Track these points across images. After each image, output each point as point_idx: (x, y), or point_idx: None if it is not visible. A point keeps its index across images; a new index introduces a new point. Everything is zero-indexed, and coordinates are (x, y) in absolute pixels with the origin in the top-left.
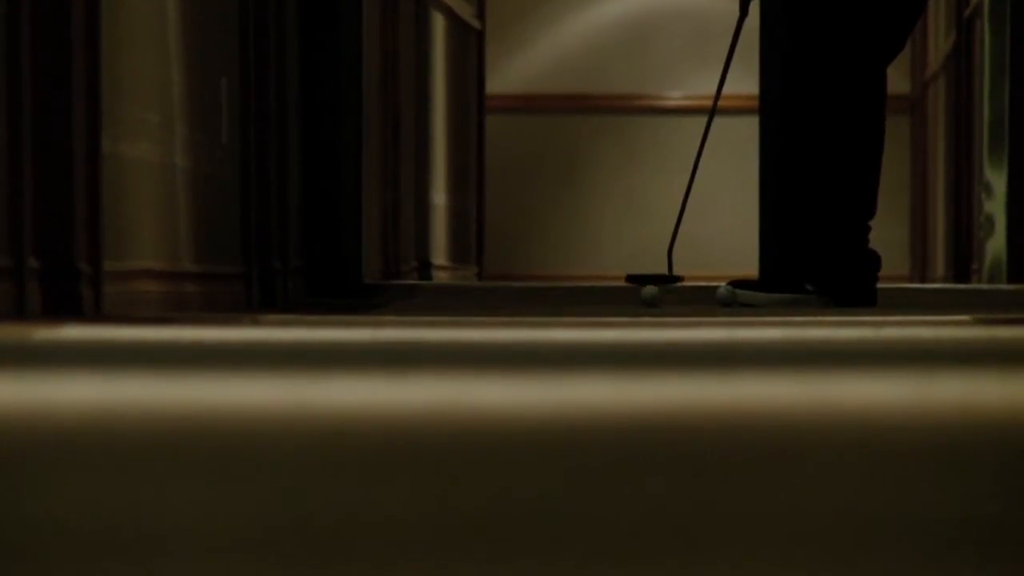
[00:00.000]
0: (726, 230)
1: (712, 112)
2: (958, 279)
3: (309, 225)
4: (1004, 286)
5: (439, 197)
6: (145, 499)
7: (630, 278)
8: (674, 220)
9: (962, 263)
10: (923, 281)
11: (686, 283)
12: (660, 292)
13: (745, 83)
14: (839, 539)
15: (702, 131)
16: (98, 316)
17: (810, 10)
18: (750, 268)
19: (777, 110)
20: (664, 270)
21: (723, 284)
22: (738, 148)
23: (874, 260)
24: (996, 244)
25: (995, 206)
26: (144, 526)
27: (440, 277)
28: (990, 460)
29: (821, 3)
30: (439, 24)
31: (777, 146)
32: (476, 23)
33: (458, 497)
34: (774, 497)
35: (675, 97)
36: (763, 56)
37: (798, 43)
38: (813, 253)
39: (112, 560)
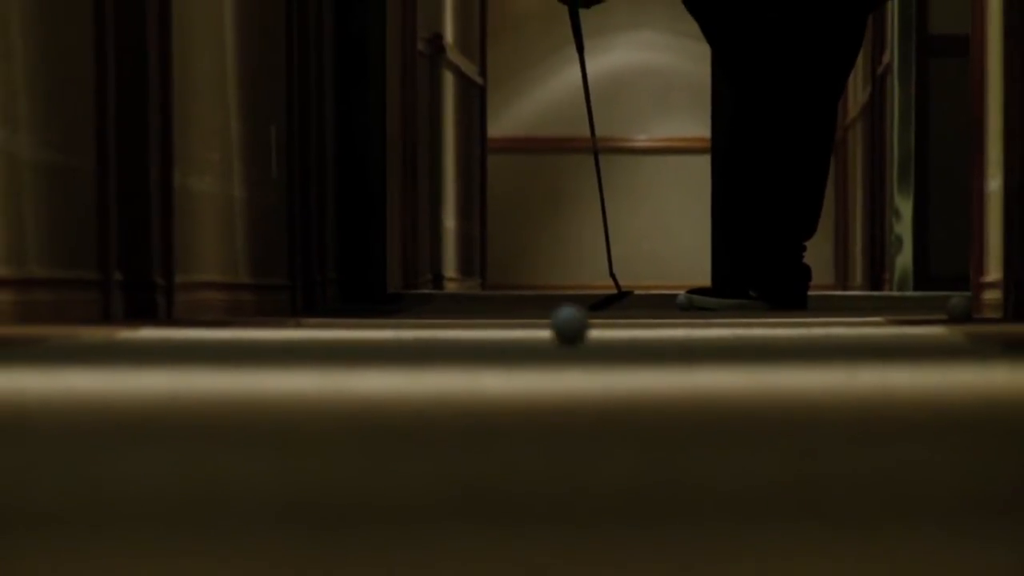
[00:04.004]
0: (683, 248)
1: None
2: (873, 288)
3: (343, 245)
4: (910, 293)
5: (449, 222)
6: (208, 469)
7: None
8: (635, 240)
9: (876, 274)
10: (844, 289)
11: (652, 291)
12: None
13: (699, 128)
14: (778, 501)
15: (664, 168)
16: (170, 320)
17: (753, 66)
18: (703, 279)
19: (726, 151)
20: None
21: (682, 292)
22: (693, 182)
23: (806, 272)
24: (904, 259)
25: (903, 228)
26: (207, 491)
27: (450, 287)
28: (900, 434)
29: (763, 63)
30: (449, 80)
31: (726, 179)
32: (479, 79)
33: (464, 467)
34: (725, 465)
35: (641, 140)
36: (714, 105)
37: (743, 94)
38: (757, 266)
39: (181, 520)
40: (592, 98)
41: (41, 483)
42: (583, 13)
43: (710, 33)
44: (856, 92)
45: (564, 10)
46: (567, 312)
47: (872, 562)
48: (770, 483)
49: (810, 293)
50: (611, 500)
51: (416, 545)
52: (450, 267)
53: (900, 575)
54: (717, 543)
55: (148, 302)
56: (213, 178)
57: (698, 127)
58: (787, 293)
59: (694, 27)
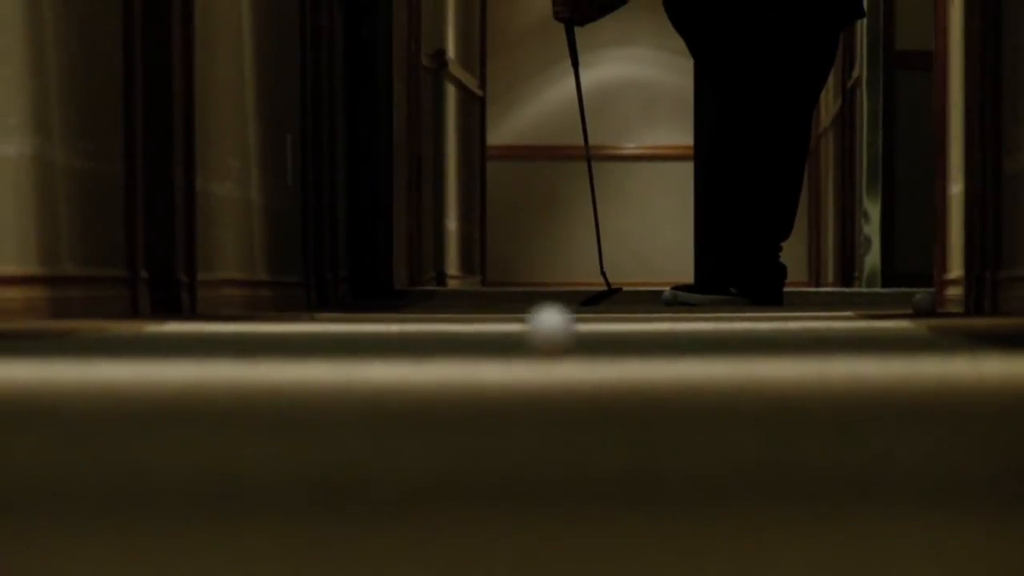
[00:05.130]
0: (668, 248)
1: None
2: (844, 285)
3: (353, 245)
4: (879, 290)
5: (451, 223)
6: (228, 452)
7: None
8: (624, 240)
9: (847, 272)
10: (818, 286)
11: (639, 288)
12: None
13: (683, 137)
14: (758, 482)
15: (650, 174)
16: (193, 315)
17: (736, 80)
18: (687, 276)
19: (708, 158)
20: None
21: (667, 288)
22: (677, 186)
23: (782, 270)
24: (872, 258)
25: (872, 229)
26: (227, 472)
27: (452, 284)
28: (870, 419)
29: (745, 77)
30: (451, 92)
31: (709, 184)
32: (479, 91)
33: (464, 451)
34: (708, 448)
35: (629, 147)
36: (696, 115)
37: (726, 105)
38: (737, 264)
39: (203, 499)
40: (585, 108)
41: (72, 465)
42: (577, 30)
43: (696, 49)
44: (828, 104)
45: (559, 27)
46: (549, 323)
47: (844, 538)
48: (750, 465)
49: (786, 290)
50: (604, 483)
51: (418, 522)
52: (452, 266)
53: (870, 552)
54: (702, 521)
55: (173, 298)
56: (233, 183)
57: (682, 136)
58: (765, 290)
59: (678, 43)
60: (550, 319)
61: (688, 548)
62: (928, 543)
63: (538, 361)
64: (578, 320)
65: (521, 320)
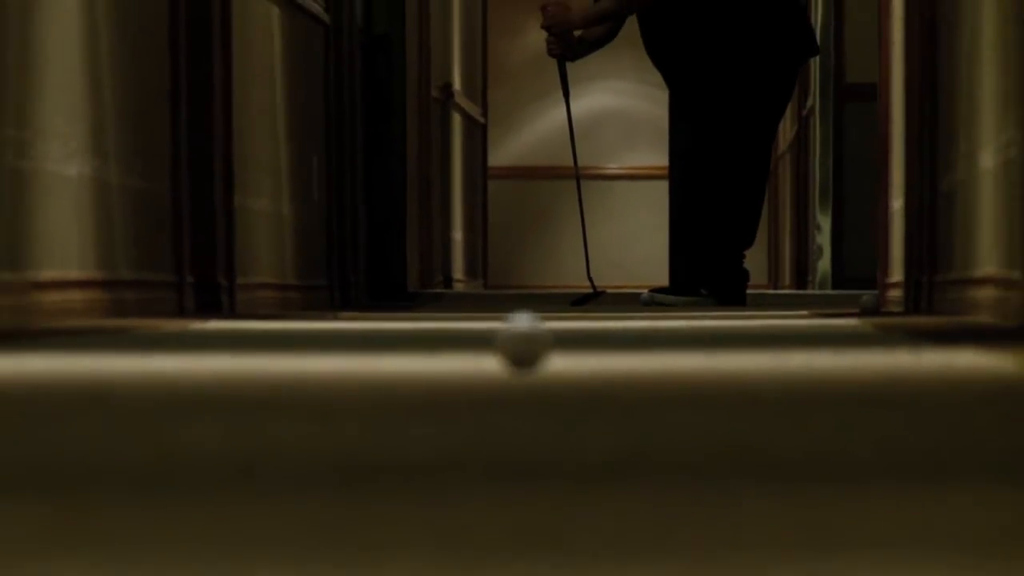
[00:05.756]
0: (646, 255)
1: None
2: (799, 287)
3: (372, 253)
4: (830, 292)
5: (457, 234)
6: (263, 433)
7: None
8: (607, 248)
9: (801, 277)
10: (776, 288)
11: (621, 290)
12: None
13: (659, 159)
14: (724, 458)
15: (630, 191)
16: (232, 314)
17: (708, 111)
18: (662, 280)
19: (681, 178)
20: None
21: (645, 291)
22: (653, 201)
23: (745, 275)
24: (824, 264)
25: (823, 239)
26: (262, 451)
27: (458, 287)
28: (821, 404)
29: (714, 105)
30: (456, 120)
31: (682, 199)
32: (481, 119)
33: (468, 432)
34: (682, 428)
35: (612, 168)
36: (671, 140)
37: (699, 133)
38: (706, 269)
39: (241, 474)
40: (573, 133)
41: (126, 444)
42: (567, 65)
43: (671, 82)
44: (786, 130)
45: (551, 62)
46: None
47: (796, 507)
48: (718, 443)
49: (749, 292)
50: (589, 463)
51: (427, 494)
52: (458, 271)
53: (820, 519)
54: (676, 492)
55: (214, 299)
56: (266, 199)
57: (658, 158)
58: (731, 292)
59: (656, 76)
60: (521, 328)
61: (667, 514)
62: (872, 509)
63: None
64: (566, 317)
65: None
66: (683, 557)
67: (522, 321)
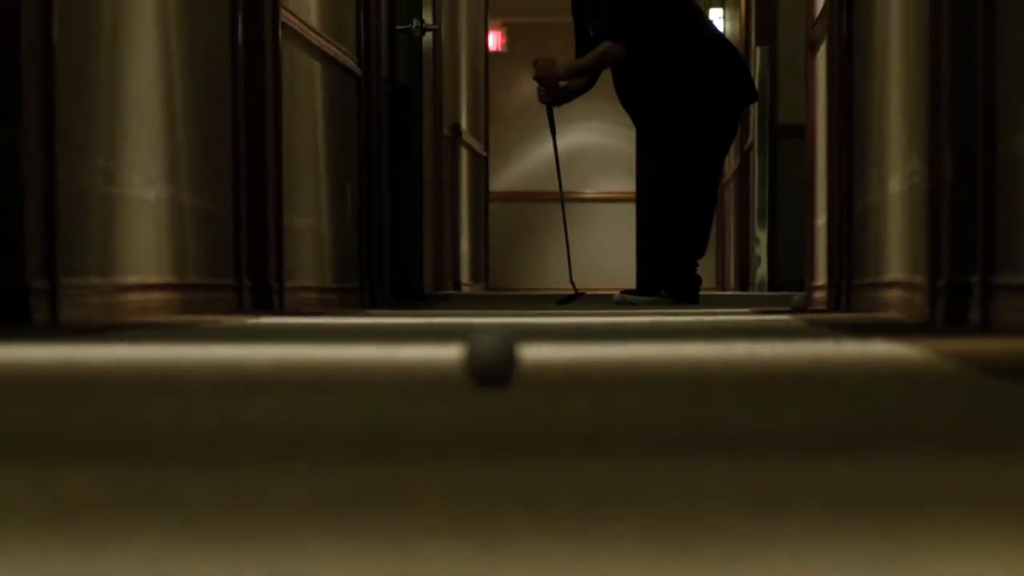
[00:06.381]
0: (618, 263)
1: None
2: (742, 289)
3: (395, 262)
4: (767, 293)
5: (464, 245)
6: (308, 410)
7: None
8: (586, 257)
9: (744, 281)
10: (723, 290)
11: (597, 292)
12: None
13: (628, 185)
14: (681, 432)
15: (605, 211)
16: (281, 311)
17: (666, 144)
18: (630, 283)
19: (647, 201)
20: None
21: (617, 292)
22: (623, 220)
23: (698, 279)
24: (762, 270)
25: (761, 250)
26: (306, 425)
27: (464, 289)
28: (762, 385)
29: (673, 142)
30: (464, 154)
31: (648, 218)
32: (484, 153)
33: (469, 411)
34: (645, 408)
35: (589, 192)
36: (637, 170)
37: (661, 165)
38: (667, 275)
39: (289, 445)
40: (559, 164)
41: (193, 421)
42: (555, 109)
43: (638, 122)
44: (731, 163)
45: (542, 107)
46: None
47: (743, 474)
48: (676, 418)
49: (701, 293)
50: (570, 434)
51: (437, 462)
52: (465, 275)
53: (764, 482)
54: (641, 462)
55: (267, 299)
56: (309, 218)
57: (627, 184)
58: (686, 293)
59: (625, 118)
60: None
61: (632, 479)
62: (802, 472)
63: (526, 344)
64: (553, 314)
65: (514, 314)
66: (645, 515)
67: (485, 343)
